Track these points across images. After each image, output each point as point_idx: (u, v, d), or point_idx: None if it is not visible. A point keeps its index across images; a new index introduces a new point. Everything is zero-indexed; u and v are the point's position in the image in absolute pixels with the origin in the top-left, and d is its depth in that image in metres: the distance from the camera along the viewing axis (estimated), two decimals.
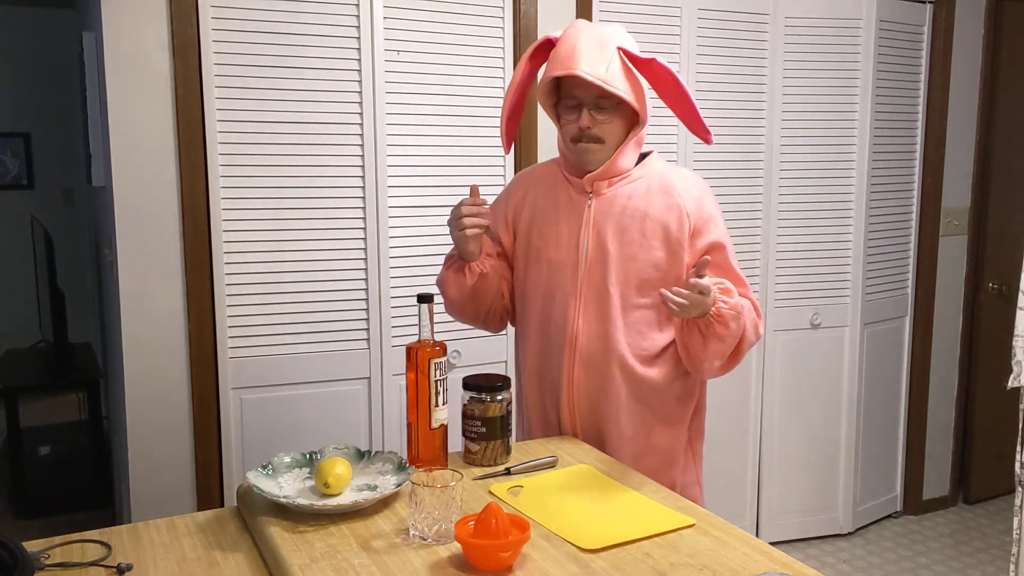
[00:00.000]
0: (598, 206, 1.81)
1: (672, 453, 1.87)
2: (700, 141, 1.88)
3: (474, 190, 1.81)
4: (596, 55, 1.72)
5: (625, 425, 1.82)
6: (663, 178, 1.83)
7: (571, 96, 1.78)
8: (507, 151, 1.92)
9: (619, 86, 1.72)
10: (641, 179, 1.82)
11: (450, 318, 2.03)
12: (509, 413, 1.68)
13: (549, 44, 1.80)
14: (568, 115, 1.80)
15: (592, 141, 1.78)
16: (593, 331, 1.80)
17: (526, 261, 1.88)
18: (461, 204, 1.79)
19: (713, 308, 1.69)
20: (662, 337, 1.82)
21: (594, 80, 1.70)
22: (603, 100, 1.75)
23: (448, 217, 1.82)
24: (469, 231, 1.78)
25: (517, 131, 1.96)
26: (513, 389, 1.90)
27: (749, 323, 1.78)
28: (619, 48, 1.74)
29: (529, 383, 1.91)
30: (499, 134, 2.17)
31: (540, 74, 1.85)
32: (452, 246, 1.89)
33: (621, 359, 1.79)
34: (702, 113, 1.83)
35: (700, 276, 1.64)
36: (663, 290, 1.64)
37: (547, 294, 1.85)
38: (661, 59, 1.76)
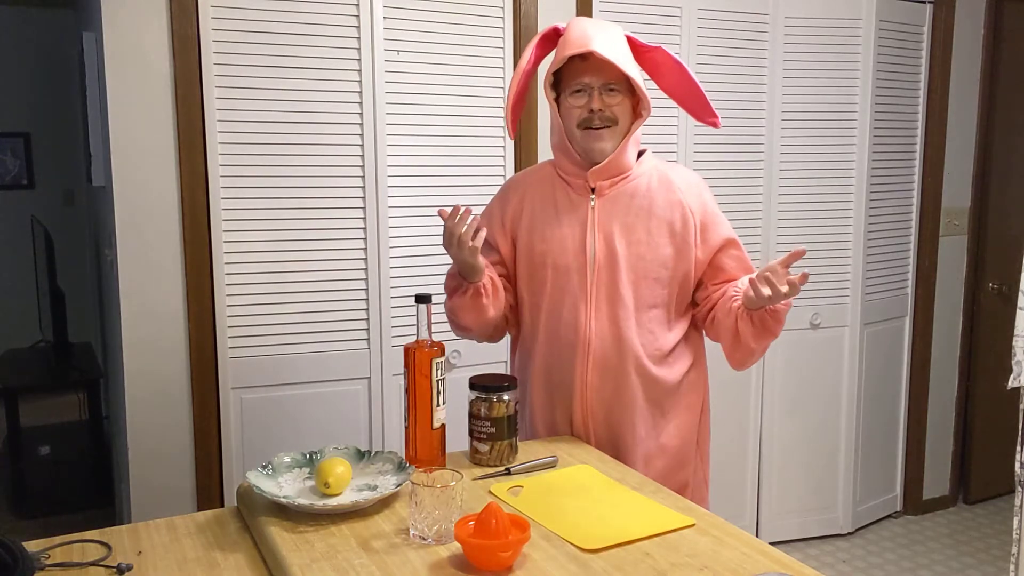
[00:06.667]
0: (601, 206, 1.80)
1: (683, 454, 1.87)
2: (703, 127, 1.90)
3: (447, 212, 1.72)
4: (608, 39, 1.73)
5: (639, 427, 1.81)
6: (661, 175, 1.83)
7: (577, 82, 1.77)
8: (512, 136, 1.92)
9: (631, 69, 1.73)
10: (641, 176, 1.82)
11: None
12: (516, 413, 1.68)
13: (556, 33, 1.81)
14: (575, 100, 1.78)
15: (604, 124, 1.77)
16: (607, 333, 1.79)
17: (529, 267, 1.86)
18: (448, 222, 1.70)
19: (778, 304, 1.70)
20: (672, 336, 1.83)
21: (610, 58, 1.69)
22: (612, 84, 1.75)
23: (443, 240, 1.73)
24: (473, 241, 1.69)
25: (520, 118, 1.95)
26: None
27: None
28: (626, 36, 1.77)
29: (536, 388, 1.88)
30: (502, 128, 2.14)
31: (543, 67, 1.85)
32: (449, 263, 1.83)
33: (637, 360, 1.79)
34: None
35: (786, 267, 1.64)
36: (762, 272, 1.63)
37: (554, 298, 1.83)
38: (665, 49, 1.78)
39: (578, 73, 1.76)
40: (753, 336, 1.75)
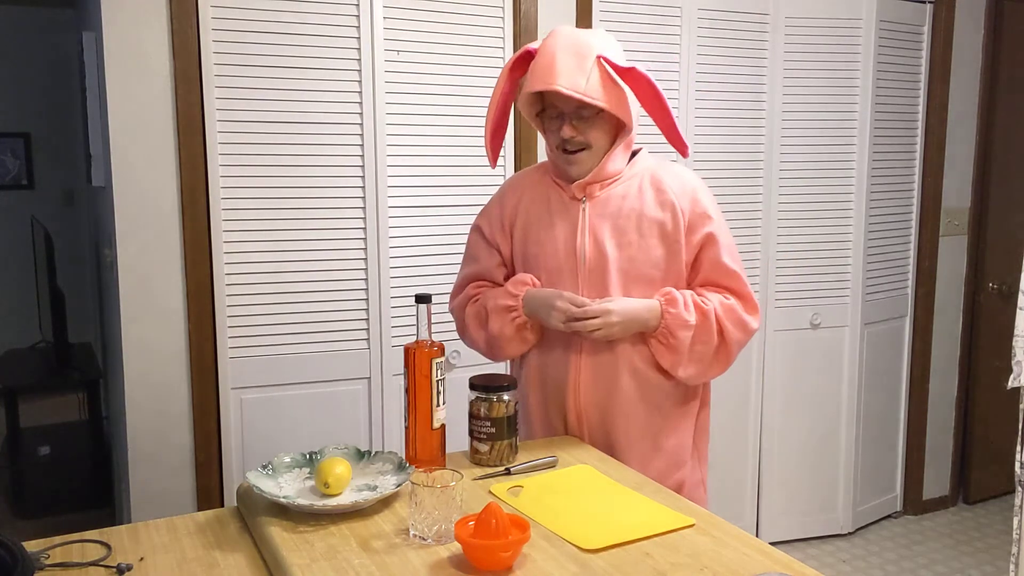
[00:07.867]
0: (592, 209, 1.80)
1: (679, 454, 1.87)
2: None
3: (576, 304, 1.75)
4: (575, 66, 1.69)
5: (634, 428, 1.81)
6: (654, 175, 1.82)
7: (553, 106, 1.77)
8: (494, 166, 1.91)
9: (599, 97, 1.69)
10: (633, 178, 1.81)
11: (449, 318, 2.03)
12: (516, 413, 1.68)
13: (528, 55, 1.78)
14: (552, 124, 1.79)
15: (577, 149, 1.76)
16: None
17: (524, 268, 1.86)
18: (573, 309, 1.73)
19: (660, 323, 1.74)
20: None
21: (573, 94, 1.67)
22: (584, 110, 1.74)
23: (550, 310, 1.76)
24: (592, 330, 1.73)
25: (502, 145, 1.94)
26: None
27: (729, 322, 1.77)
28: (599, 57, 1.71)
29: (531, 389, 1.89)
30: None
31: (522, 84, 1.84)
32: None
33: (629, 361, 1.79)
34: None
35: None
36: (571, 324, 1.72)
37: None
38: (641, 68, 1.72)
39: (552, 98, 1.76)
40: (666, 354, 1.78)
